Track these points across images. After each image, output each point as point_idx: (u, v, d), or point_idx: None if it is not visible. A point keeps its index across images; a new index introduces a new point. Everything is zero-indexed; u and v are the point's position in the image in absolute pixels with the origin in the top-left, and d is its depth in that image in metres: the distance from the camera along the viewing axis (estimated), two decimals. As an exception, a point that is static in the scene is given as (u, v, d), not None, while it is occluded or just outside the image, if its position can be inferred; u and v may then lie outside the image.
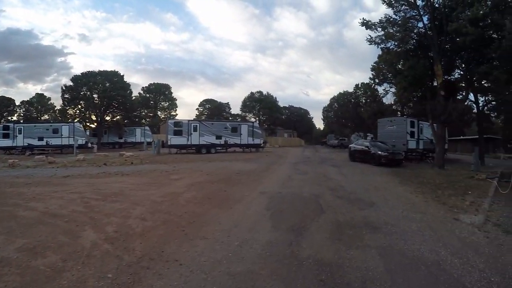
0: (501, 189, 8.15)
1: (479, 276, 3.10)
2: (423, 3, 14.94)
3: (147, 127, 36.23)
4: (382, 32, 15.78)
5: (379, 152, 14.79)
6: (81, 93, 34.96)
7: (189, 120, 23.54)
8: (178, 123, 23.16)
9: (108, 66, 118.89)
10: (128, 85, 38.85)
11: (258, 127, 26.25)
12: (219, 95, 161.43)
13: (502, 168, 15.20)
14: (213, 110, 65.63)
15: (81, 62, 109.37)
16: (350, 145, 20.03)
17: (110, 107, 36.62)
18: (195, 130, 22.76)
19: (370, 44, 16.18)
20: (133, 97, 53.68)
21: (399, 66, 16.27)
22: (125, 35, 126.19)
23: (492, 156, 26.73)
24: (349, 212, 5.69)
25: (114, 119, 37.20)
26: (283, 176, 10.69)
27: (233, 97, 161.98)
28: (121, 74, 38.01)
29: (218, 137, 23.51)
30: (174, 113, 59.39)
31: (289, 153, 25.67)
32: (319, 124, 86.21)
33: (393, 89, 32.32)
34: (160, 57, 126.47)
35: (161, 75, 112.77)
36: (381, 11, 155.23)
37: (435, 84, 16.14)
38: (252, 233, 4.39)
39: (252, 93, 65.20)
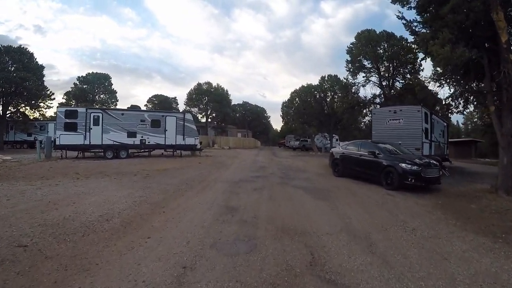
0: None
1: None
2: None
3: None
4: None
5: (402, 165, 7.73)
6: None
7: (87, 108, 15.16)
8: (71, 113, 14.71)
9: (62, 60, 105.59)
10: (41, 67, 28.97)
11: (192, 120, 17.89)
12: (175, 94, 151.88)
13: None
14: (159, 106, 56.05)
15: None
16: (332, 149, 12.77)
17: (15, 95, 26.74)
18: (96, 123, 14.55)
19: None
20: (71, 88, 45.50)
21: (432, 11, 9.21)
22: (81, 28, 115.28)
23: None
24: None
25: (19, 110, 27.79)
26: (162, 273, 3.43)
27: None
28: (30, 52, 28.15)
29: (131, 134, 15.36)
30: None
31: (236, 159, 18.01)
32: (276, 125, 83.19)
33: (373, 78, 26.86)
34: (116, 53, 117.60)
35: (116, 71, 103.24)
36: (339, 17, 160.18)
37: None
38: None
39: (199, 83, 53.55)
